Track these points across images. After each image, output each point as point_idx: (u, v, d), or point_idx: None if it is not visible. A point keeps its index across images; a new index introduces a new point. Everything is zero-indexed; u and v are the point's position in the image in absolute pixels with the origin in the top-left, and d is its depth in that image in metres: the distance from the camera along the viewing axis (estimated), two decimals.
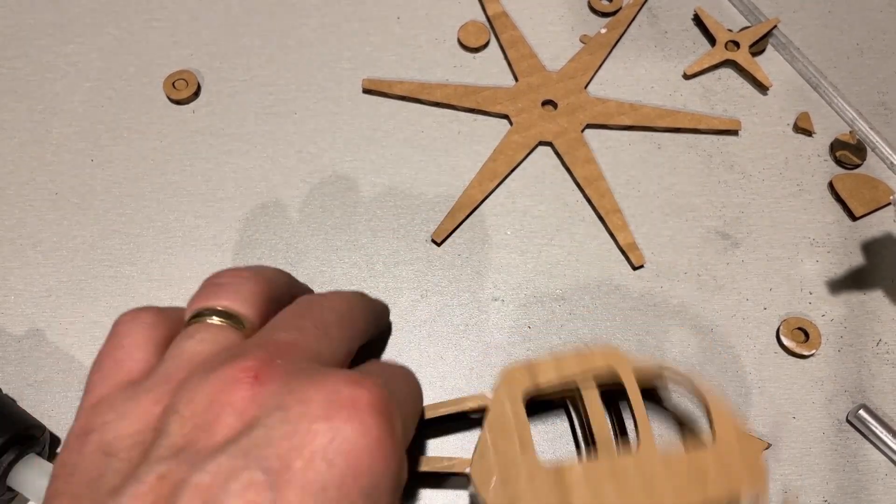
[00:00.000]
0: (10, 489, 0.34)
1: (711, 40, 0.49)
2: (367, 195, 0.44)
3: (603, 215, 0.43)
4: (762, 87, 0.48)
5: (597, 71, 0.48)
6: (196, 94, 0.47)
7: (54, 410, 0.38)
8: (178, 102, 0.47)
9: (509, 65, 0.48)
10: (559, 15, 0.51)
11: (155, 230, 0.43)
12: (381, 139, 0.46)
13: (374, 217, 0.43)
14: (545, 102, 0.47)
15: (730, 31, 0.49)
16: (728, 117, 0.46)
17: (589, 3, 0.51)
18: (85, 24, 0.50)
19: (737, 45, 0.48)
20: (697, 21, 0.50)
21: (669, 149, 0.46)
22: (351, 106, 0.47)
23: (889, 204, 0.43)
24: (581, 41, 0.50)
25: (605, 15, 0.51)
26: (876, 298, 0.42)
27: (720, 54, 0.48)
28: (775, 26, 0.49)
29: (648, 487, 0.31)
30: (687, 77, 0.48)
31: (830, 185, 0.45)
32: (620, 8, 0.51)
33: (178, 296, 0.41)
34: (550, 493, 0.30)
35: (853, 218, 0.44)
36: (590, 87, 0.48)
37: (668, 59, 0.49)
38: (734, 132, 0.46)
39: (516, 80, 0.48)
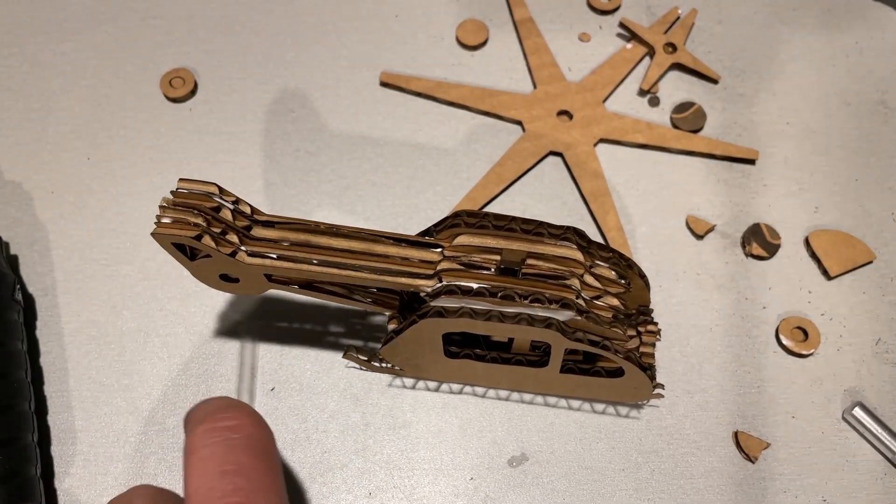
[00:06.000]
0: None
1: (648, 47, 0.48)
2: (364, 194, 0.44)
3: (605, 232, 0.42)
4: (712, 81, 0.48)
5: (617, 86, 0.48)
6: (193, 91, 0.47)
7: (52, 410, 0.38)
8: (175, 100, 0.47)
9: (529, 72, 0.48)
10: (558, 13, 0.50)
11: (152, 229, 0.43)
12: (379, 138, 0.46)
13: (371, 217, 0.43)
14: (561, 112, 0.46)
15: (660, 31, 0.49)
16: (745, 146, 0.45)
17: (588, 0, 0.51)
18: (81, 22, 0.49)
19: (673, 46, 0.48)
20: (626, 29, 0.49)
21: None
22: (348, 104, 0.47)
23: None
24: (580, 39, 0.49)
25: (603, 13, 0.50)
26: (875, 297, 0.42)
27: (665, 60, 0.48)
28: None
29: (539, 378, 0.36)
30: (644, 92, 0.47)
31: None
32: (619, 6, 0.50)
33: (175, 295, 0.41)
34: (447, 364, 0.36)
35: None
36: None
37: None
38: (751, 161, 0.45)
39: (535, 86, 0.47)
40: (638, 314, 0.37)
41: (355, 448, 0.37)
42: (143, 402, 0.38)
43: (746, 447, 0.37)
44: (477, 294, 0.31)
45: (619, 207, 0.44)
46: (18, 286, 0.39)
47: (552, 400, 0.39)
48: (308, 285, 0.34)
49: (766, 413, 0.39)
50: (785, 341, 0.40)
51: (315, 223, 0.32)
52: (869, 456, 0.38)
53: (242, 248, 0.31)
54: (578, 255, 0.32)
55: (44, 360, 0.39)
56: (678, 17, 0.50)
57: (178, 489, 0.36)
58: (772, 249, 0.42)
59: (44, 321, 0.40)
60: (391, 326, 0.36)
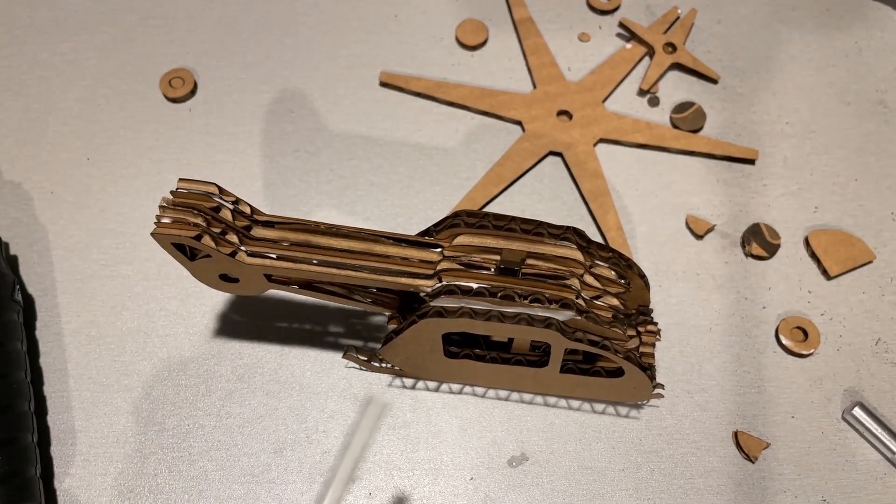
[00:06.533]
0: None
1: (648, 47, 0.49)
2: (364, 194, 0.44)
3: (604, 231, 0.42)
4: (712, 80, 0.48)
5: (617, 86, 0.48)
6: (193, 92, 0.47)
7: (52, 410, 0.38)
8: (174, 101, 0.47)
9: (529, 71, 0.48)
10: (557, 13, 0.50)
11: (151, 229, 0.43)
12: (378, 138, 0.46)
13: (371, 217, 0.43)
14: (560, 112, 0.46)
15: (660, 31, 0.49)
16: (745, 146, 0.45)
17: (587, 0, 0.51)
18: (81, 23, 0.49)
19: (673, 46, 0.48)
20: (625, 29, 0.49)
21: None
22: (348, 104, 0.47)
23: None
24: (579, 39, 0.49)
25: (603, 13, 0.50)
26: (875, 297, 0.42)
27: (665, 60, 0.48)
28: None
29: (538, 378, 0.36)
30: (644, 92, 0.47)
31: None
32: (619, 6, 0.50)
33: (174, 295, 0.41)
34: (447, 364, 0.36)
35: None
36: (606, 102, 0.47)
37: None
38: (751, 161, 0.45)
39: (534, 86, 0.47)
40: (638, 314, 0.37)
41: None
42: (143, 402, 0.38)
43: (746, 447, 0.37)
44: (477, 294, 0.31)
45: (618, 207, 0.44)
46: (18, 286, 0.39)
47: (552, 400, 0.39)
48: (308, 285, 0.34)
49: (766, 413, 0.39)
50: (785, 341, 0.40)
51: (315, 223, 0.32)
52: (868, 456, 0.38)
53: (242, 248, 0.31)
54: (578, 255, 0.32)
55: (43, 361, 0.39)
56: (678, 17, 0.50)
57: (177, 490, 0.36)
58: (771, 249, 0.42)
59: (43, 321, 0.40)
60: (391, 326, 0.36)
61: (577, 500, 0.36)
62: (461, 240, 0.32)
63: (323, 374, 0.39)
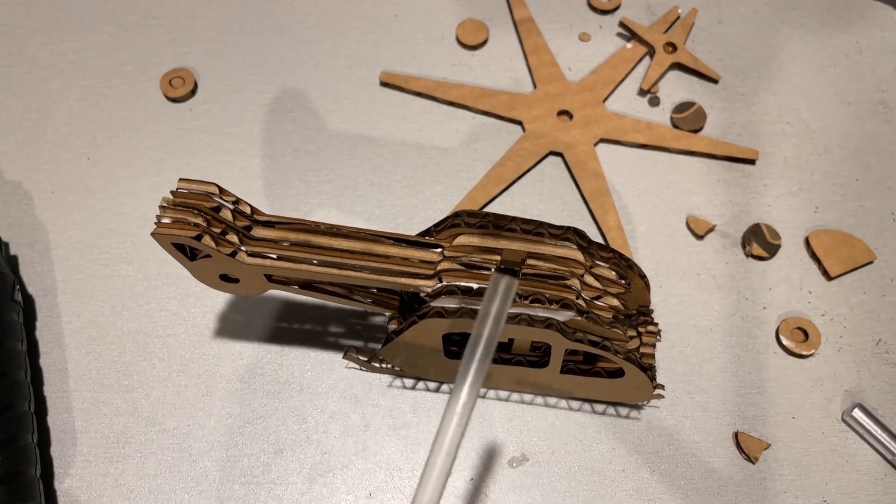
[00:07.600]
0: None
1: (648, 47, 0.49)
2: (364, 194, 0.44)
3: (605, 232, 0.42)
4: (712, 80, 0.48)
5: (617, 86, 0.48)
6: (193, 91, 0.47)
7: (52, 411, 0.38)
8: (175, 100, 0.47)
9: (529, 71, 0.48)
10: (558, 13, 0.50)
11: (151, 229, 0.43)
12: (379, 138, 0.46)
13: (371, 216, 0.43)
14: (561, 112, 0.46)
15: (663, 31, 0.49)
16: (745, 146, 0.45)
17: (588, 0, 0.51)
18: (81, 22, 0.49)
19: (673, 46, 0.48)
20: (626, 28, 0.49)
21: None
22: (348, 104, 0.47)
23: None
24: (580, 38, 0.49)
25: (603, 12, 0.50)
26: (875, 298, 0.42)
27: (665, 60, 0.48)
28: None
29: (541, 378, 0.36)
30: (644, 92, 0.47)
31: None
32: (619, 6, 0.50)
33: (175, 295, 0.41)
34: (447, 364, 0.36)
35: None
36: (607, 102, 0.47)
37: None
38: (751, 161, 0.45)
39: (535, 86, 0.47)
40: (638, 314, 0.37)
41: (355, 449, 0.37)
42: (143, 402, 0.38)
43: (747, 448, 0.37)
44: (477, 294, 0.31)
45: (619, 207, 0.44)
46: (18, 286, 0.39)
47: (552, 400, 0.39)
48: (308, 285, 0.34)
49: (767, 414, 0.39)
50: (785, 342, 0.40)
51: (315, 223, 0.32)
52: (869, 456, 0.38)
53: (242, 248, 0.31)
54: (578, 256, 0.32)
55: (43, 361, 0.39)
56: (678, 17, 0.50)
57: (177, 490, 0.36)
58: (772, 249, 0.42)
59: (43, 322, 0.40)
60: (391, 327, 0.36)
61: (578, 501, 0.36)
62: (461, 240, 0.32)
63: (323, 374, 0.39)
